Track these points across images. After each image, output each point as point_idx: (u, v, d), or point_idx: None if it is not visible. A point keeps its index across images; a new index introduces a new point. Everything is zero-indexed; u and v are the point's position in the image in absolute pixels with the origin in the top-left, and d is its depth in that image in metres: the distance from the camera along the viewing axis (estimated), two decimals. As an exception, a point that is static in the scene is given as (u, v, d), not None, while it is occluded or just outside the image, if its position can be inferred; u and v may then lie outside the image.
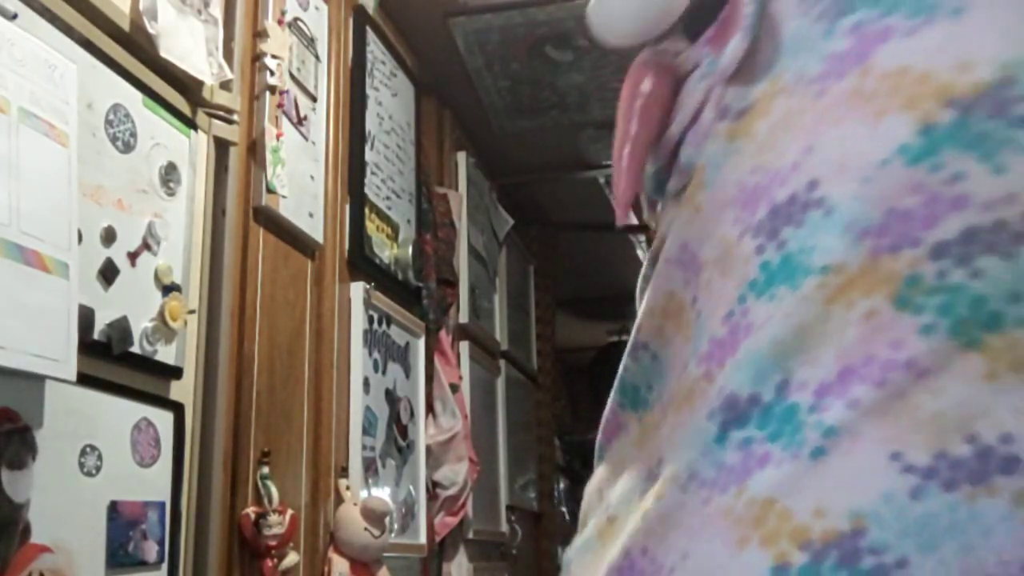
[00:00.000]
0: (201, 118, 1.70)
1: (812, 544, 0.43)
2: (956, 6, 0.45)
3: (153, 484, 1.50)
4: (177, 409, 1.57)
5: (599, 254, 4.45)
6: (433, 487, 2.68)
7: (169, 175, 1.59)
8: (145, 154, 1.53)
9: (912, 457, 0.42)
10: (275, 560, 1.77)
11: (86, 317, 1.34)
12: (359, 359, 2.26)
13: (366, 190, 2.41)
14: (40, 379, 1.24)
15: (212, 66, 1.71)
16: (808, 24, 0.51)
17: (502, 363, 3.58)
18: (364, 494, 2.19)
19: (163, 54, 1.56)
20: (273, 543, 1.76)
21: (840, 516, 0.43)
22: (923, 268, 0.43)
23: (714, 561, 0.46)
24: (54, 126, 1.25)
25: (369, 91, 2.49)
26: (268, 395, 1.88)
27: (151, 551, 1.47)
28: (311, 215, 2.09)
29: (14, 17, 1.23)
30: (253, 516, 1.75)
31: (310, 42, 2.18)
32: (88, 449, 1.35)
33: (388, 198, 2.57)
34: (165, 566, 1.50)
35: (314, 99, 2.17)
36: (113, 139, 1.46)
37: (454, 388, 2.84)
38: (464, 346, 3.09)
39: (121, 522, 1.41)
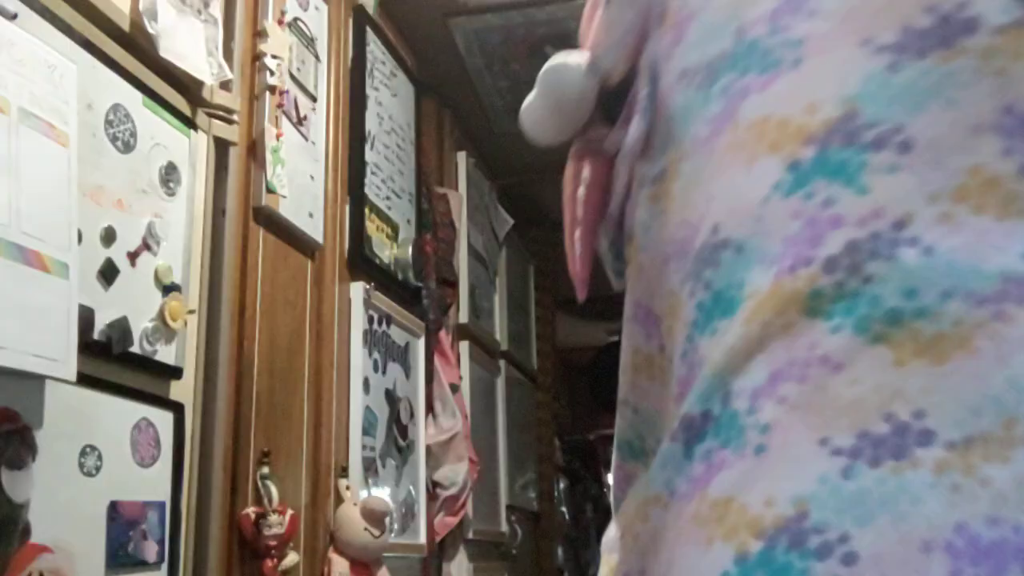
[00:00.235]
0: (201, 118, 1.70)
1: (766, 532, 0.47)
2: (795, 58, 0.51)
3: (153, 484, 1.50)
4: (177, 409, 1.57)
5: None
6: (433, 487, 2.68)
7: (169, 175, 1.59)
8: (145, 154, 1.53)
9: (838, 440, 0.47)
10: (275, 560, 1.77)
11: (86, 317, 1.34)
12: (359, 359, 2.27)
13: (366, 190, 2.41)
14: (40, 379, 1.24)
15: (212, 66, 1.71)
16: (691, 95, 0.57)
17: (502, 363, 3.58)
18: (364, 494, 2.19)
19: (163, 54, 1.56)
20: (273, 543, 1.76)
21: (786, 503, 0.47)
22: (821, 282, 0.49)
23: (689, 563, 0.51)
24: (54, 126, 1.25)
25: (369, 91, 2.49)
26: (268, 395, 1.88)
27: (151, 551, 1.47)
28: (311, 215, 2.09)
29: (14, 17, 1.23)
30: (253, 516, 1.75)
31: (310, 42, 2.18)
32: (88, 449, 1.35)
33: (388, 198, 2.57)
34: (165, 566, 1.50)
35: (314, 99, 2.17)
36: (113, 139, 1.46)
37: (454, 388, 2.84)
38: (464, 346, 3.09)
39: (121, 522, 1.41)
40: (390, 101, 2.66)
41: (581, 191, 0.68)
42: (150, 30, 1.54)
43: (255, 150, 1.90)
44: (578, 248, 0.68)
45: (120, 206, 1.46)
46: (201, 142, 1.70)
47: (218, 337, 1.72)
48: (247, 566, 1.75)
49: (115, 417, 1.43)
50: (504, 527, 3.37)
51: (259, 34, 1.95)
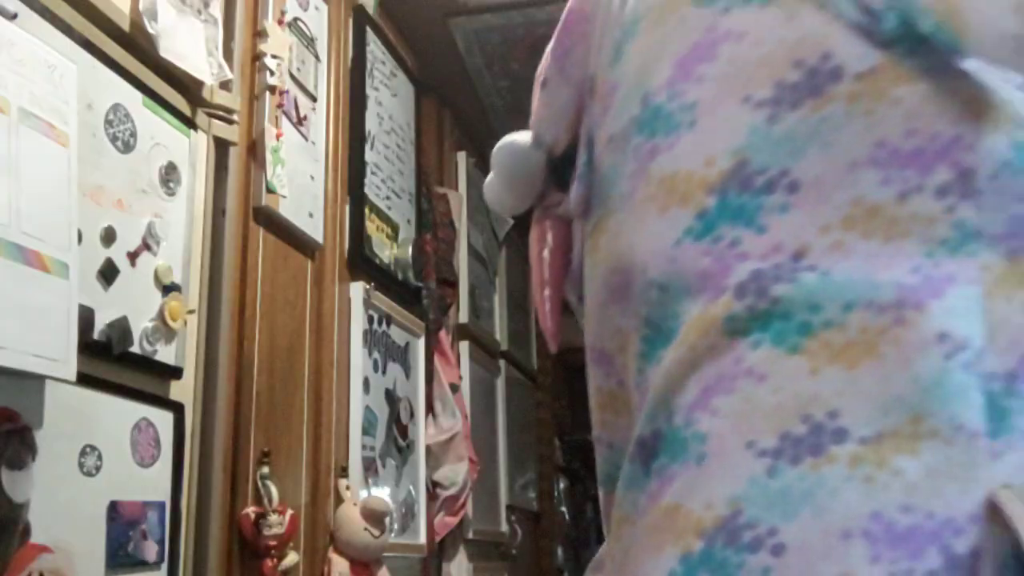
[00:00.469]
0: (201, 118, 1.70)
1: (706, 532, 0.52)
2: (690, 120, 0.58)
3: (153, 484, 1.50)
4: (177, 409, 1.57)
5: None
6: (433, 487, 2.67)
7: (169, 175, 1.59)
8: (145, 154, 1.53)
9: (763, 443, 0.52)
10: (275, 560, 1.78)
11: (86, 317, 1.34)
12: (359, 359, 2.26)
13: (366, 190, 2.41)
14: (40, 379, 1.24)
15: (212, 66, 1.71)
16: (616, 157, 0.63)
17: (502, 363, 3.58)
18: (364, 494, 2.19)
19: (163, 54, 1.56)
20: (273, 543, 1.76)
21: (722, 504, 0.52)
22: (735, 307, 0.54)
23: (644, 570, 0.56)
24: (54, 126, 1.25)
25: (369, 91, 2.49)
26: (268, 395, 1.88)
27: (151, 551, 1.47)
28: (311, 215, 2.09)
29: (14, 17, 1.23)
30: (253, 516, 1.75)
31: (310, 42, 2.18)
32: (88, 449, 1.35)
33: (388, 198, 2.57)
34: (165, 566, 1.50)
35: (314, 99, 2.17)
36: (113, 139, 1.46)
37: (454, 388, 2.84)
38: (464, 346, 3.09)
39: (121, 522, 1.41)
40: (390, 101, 2.66)
41: (545, 253, 0.75)
42: (150, 30, 1.54)
43: (255, 150, 1.90)
44: (547, 305, 0.75)
45: (120, 206, 1.46)
46: (201, 142, 1.70)
47: (218, 337, 1.72)
48: (247, 566, 1.75)
49: (115, 417, 1.43)
50: (504, 527, 3.37)
51: (259, 34, 1.95)
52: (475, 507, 2.92)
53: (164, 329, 1.52)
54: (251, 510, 1.75)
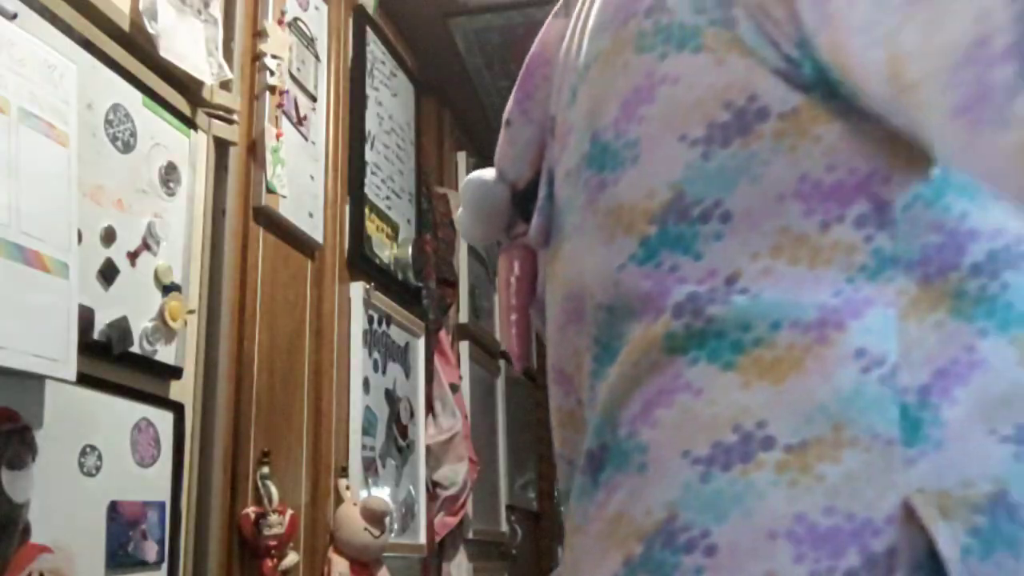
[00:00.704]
0: (201, 118, 1.70)
1: (646, 536, 0.56)
2: (634, 156, 0.62)
3: (153, 484, 1.50)
4: (177, 409, 1.57)
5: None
6: (433, 487, 2.67)
7: (169, 175, 1.59)
8: (145, 154, 1.53)
9: (697, 452, 0.56)
10: (275, 560, 1.77)
11: (86, 317, 1.34)
12: (359, 359, 2.26)
13: (366, 190, 2.41)
14: (40, 379, 1.24)
15: (212, 66, 1.71)
16: (570, 191, 0.67)
17: (502, 363, 3.58)
18: (364, 494, 2.19)
19: (163, 54, 1.56)
20: (273, 543, 1.76)
21: (660, 509, 0.56)
22: (673, 326, 0.59)
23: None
24: (54, 126, 1.25)
25: (369, 91, 2.49)
26: (268, 395, 1.88)
27: (151, 551, 1.47)
28: (311, 215, 2.09)
29: (14, 17, 1.23)
30: (253, 516, 1.75)
31: (310, 42, 2.18)
32: (88, 449, 1.35)
33: (388, 198, 2.57)
34: (165, 566, 1.50)
35: (314, 99, 2.17)
36: (113, 139, 1.46)
37: (454, 388, 2.84)
38: (464, 346, 3.09)
39: (121, 522, 1.41)
40: (390, 101, 2.66)
41: (512, 280, 0.81)
42: (150, 30, 1.54)
43: (255, 150, 1.90)
44: (514, 329, 0.82)
45: (120, 206, 1.46)
46: (201, 142, 1.70)
47: (218, 337, 1.72)
48: (247, 566, 1.75)
49: (115, 417, 1.43)
50: (504, 527, 3.37)
51: (259, 34, 1.95)
52: (475, 507, 2.92)
53: (164, 329, 1.52)
54: (251, 510, 1.75)
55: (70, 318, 1.23)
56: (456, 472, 2.74)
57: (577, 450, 0.69)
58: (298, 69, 2.09)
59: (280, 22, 2.01)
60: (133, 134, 1.51)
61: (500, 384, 3.53)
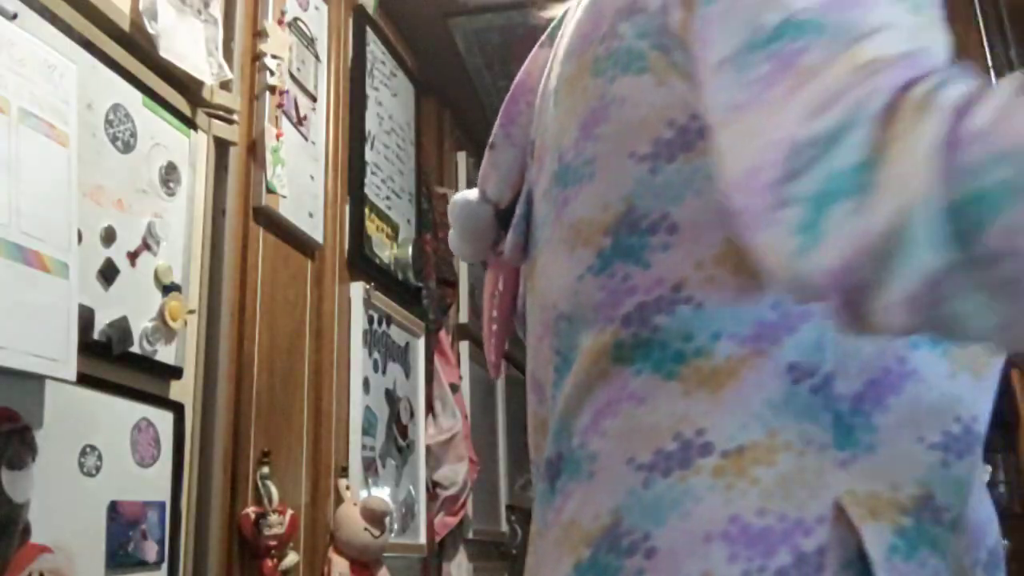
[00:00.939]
0: (201, 118, 1.70)
1: (593, 540, 0.58)
2: (590, 173, 0.65)
3: (153, 484, 1.50)
4: (177, 409, 1.57)
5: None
6: (433, 487, 2.67)
7: (169, 175, 1.59)
8: (145, 154, 1.53)
9: (640, 459, 0.59)
10: (275, 560, 1.77)
11: (86, 317, 1.34)
12: (359, 359, 2.26)
13: (366, 190, 2.40)
14: (40, 379, 1.24)
15: (212, 66, 1.71)
16: (544, 208, 0.72)
17: (502, 363, 3.57)
18: (364, 494, 2.19)
19: (163, 54, 1.56)
20: (273, 543, 1.76)
21: (606, 515, 0.59)
22: (622, 335, 0.62)
23: None
24: (54, 126, 1.25)
25: (369, 91, 2.49)
26: (268, 395, 1.88)
27: (151, 551, 1.47)
28: (311, 215, 2.09)
29: (14, 17, 1.23)
30: (253, 516, 1.75)
31: (310, 42, 2.18)
32: (88, 449, 1.35)
33: (388, 198, 2.57)
34: (165, 566, 1.50)
35: (314, 99, 2.17)
36: (113, 139, 1.46)
37: (454, 388, 2.84)
38: (464, 346, 3.09)
39: (121, 522, 1.41)
40: (390, 101, 2.66)
41: (496, 296, 0.85)
42: (150, 30, 1.54)
43: (255, 150, 1.90)
44: (493, 340, 0.87)
45: (120, 206, 1.46)
46: (201, 142, 1.70)
47: (218, 337, 1.72)
48: (247, 566, 1.75)
49: (115, 417, 1.43)
50: (504, 527, 3.37)
51: (259, 34, 1.95)
52: (475, 507, 2.92)
53: (164, 329, 1.52)
54: (251, 510, 1.75)
55: (70, 318, 1.23)
56: (456, 472, 2.73)
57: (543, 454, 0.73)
58: (298, 69, 2.09)
59: (280, 22, 2.01)
60: (133, 134, 1.51)
61: (500, 384, 3.53)
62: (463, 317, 3.09)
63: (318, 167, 2.16)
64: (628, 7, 0.64)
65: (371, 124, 2.49)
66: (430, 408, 2.74)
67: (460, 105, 3.23)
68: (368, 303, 2.34)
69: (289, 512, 1.84)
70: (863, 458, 0.55)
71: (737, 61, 0.52)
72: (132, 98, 1.51)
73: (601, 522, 0.59)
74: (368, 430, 2.30)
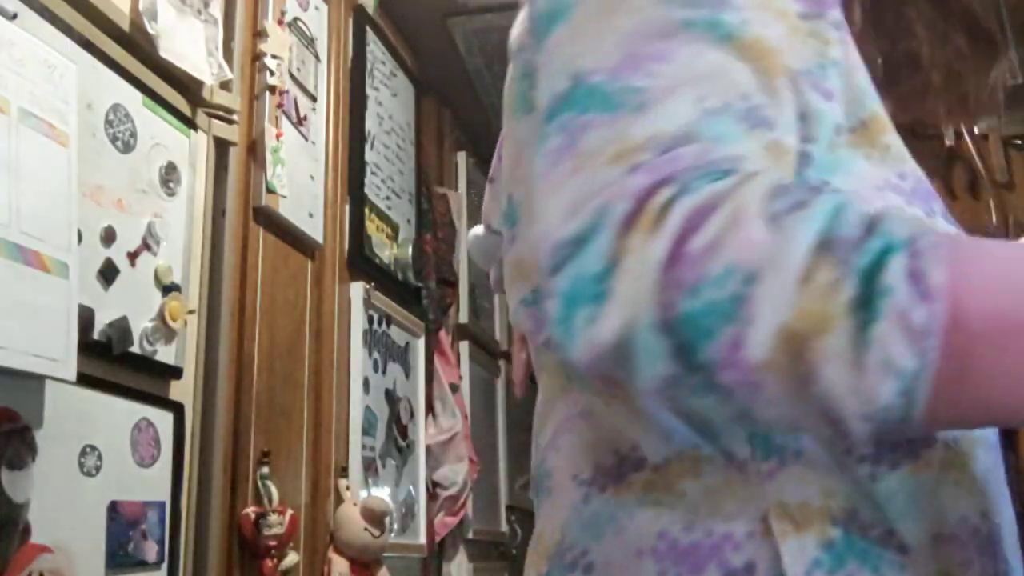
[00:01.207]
0: (201, 118, 1.70)
1: (549, 556, 0.60)
2: (523, 213, 0.67)
3: (153, 484, 1.50)
4: (177, 409, 1.57)
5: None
6: (433, 487, 2.67)
7: (169, 175, 1.59)
8: (145, 154, 1.53)
9: (583, 475, 0.60)
10: (275, 560, 1.77)
11: (86, 317, 1.34)
12: (359, 359, 2.26)
13: (366, 190, 2.41)
14: (40, 379, 1.24)
15: (212, 66, 1.71)
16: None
17: (502, 363, 3.58)
18: (364, 494, 2.19)
19: (163, 54, 1.56)
20: (273, 543, 1.76)
21: (556, 531, 0.60)
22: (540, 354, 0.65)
23: None
24: (54, 126, 1.25)
25: (369, 91, 2.49)
26: (268, 395, 1.88)
27: (151, 551, 1.47)
28: (311, 215, 2.09)
29: (14, 17, 1.23)
30: (253, 516, 1.75)
31: (310, 42, 2.18)
32: (88, 449, 1.35)
33: (388, 198, 2.57)
34: (165, 566, 1.50)
35: (314, 99, 2.17)
36: (113, 139, 1.46)
37: (454, 388, 2.84)
38: (464, 346, 3.09)
39: (121, 522, 1.41)
40: (390, 101, 2.66)
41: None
42: (150, 30, 1.54)
43: (255, 150, 1.90)
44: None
45: (120, 206, 1.46)
46: (201, 142, 1.70)
47: (218, 337, 1.72)
48: (247, 566, 1.75)
49: (115, 417, 1.43)
50: (504, 527, 3.37)
51: (259, 34, 1.95)
52: (475, 507, 2.92)
53: (164, 329, 1.52)
54: (251, 510, 1.75)
55: (70, 318, 1.23)
56: (456, 472, 2.74)
57: None
58: (298, 69, 2.09)
59: (280, 22, 2.01)
60: (133, 134, 1.51)
61: (500, 384, 3.53)
62: (463, 317, 3.09)
63: (318, 167, 2.16)
64: (515, 47, 0.67)
65: (371, 124, 2.49)
66: (430, 408, 2.74)
67: (460, 105, 3.23)
68: (368, 303, 2.34)
69: (289, 512, 1.84)
70: (792, 464, 0.54)
71: (540, 127, 0.54)
72: (132, 98, 1.51)
73: (554, 538, 0.60)
74: (368, 430, 2.30)
